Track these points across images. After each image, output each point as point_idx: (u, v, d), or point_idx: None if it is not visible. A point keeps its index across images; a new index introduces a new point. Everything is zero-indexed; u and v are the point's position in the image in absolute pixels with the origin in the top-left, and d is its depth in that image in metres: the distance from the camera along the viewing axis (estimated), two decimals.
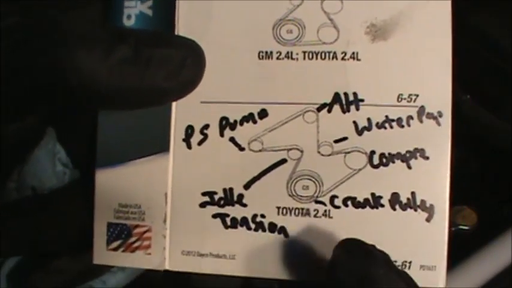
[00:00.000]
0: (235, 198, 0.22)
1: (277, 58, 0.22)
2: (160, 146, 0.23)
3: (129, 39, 0.21)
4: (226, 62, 0.23)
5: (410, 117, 0.22)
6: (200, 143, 0.23)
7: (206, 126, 0.23)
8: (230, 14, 0.23)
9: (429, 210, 0.22)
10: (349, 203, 0.22)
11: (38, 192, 0.25)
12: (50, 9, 0.24)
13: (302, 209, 0.22)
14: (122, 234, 0.23)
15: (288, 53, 0.22)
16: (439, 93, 0.22)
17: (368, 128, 0.22)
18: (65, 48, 0.21)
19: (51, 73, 0.21)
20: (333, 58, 0.22)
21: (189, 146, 0.23)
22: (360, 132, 0.22)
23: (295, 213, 0.22)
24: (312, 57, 0.22)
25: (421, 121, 0.22)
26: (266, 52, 0.22)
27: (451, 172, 0.22)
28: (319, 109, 0.22)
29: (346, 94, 0.22)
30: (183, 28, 0.23)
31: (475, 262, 0.29)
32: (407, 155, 0.22)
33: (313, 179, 0.22)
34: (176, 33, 0.23)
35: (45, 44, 0.21)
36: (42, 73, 0.21)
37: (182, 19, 0.23)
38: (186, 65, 0.22)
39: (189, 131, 0.23)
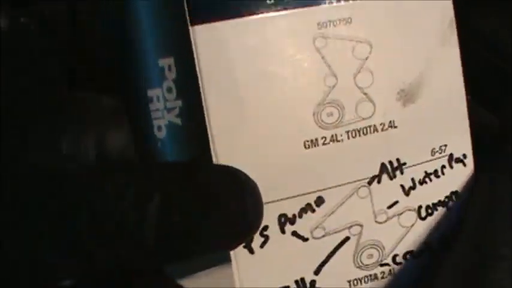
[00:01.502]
0: (308, 285, 0.23)
1: (323, 144, 0.22)
2: (221, 257, 0.22)
3: (175, 217, 0.19)
4: (272, 159, 0.21)
5: (443, 167, 0.24)
6: (262, 245, 0.22)
7: (265, 228, 0.22)
8: (266, 108, 0.21)
9: None
10: (408, 256, 0.24)
11: None
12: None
13: (370, 275, 0.23)
14: None
15: (332, 136, 0.22)
16: (462, 138, 0.24)
17: (413, 187, 0.23)
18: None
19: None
20: (373, 131, 0.22)
21: (251, 251, 0.22)
22: (407, 193, 0.23)
23: (364, 281, 0.23)
24: (355, 135, 0.22)
25: (451, 167, 0.24)
26: (311, 140, 0.22)
27: None
28: (369, 182, 0.23)
29: (391, 162, 0.23)
30: (217, 133, 0.21)
31: None
32: (446, 200, 0.24)
33: (376, 247, 0.23)
34: (210, 139, 0.21)
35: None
36: None
37: (215, 124, 0.21)
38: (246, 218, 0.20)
39: None
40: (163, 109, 0.21)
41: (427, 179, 0.23)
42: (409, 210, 0.23)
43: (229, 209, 0.19)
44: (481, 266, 0.22)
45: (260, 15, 0.21)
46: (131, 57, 0.21)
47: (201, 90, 0.21)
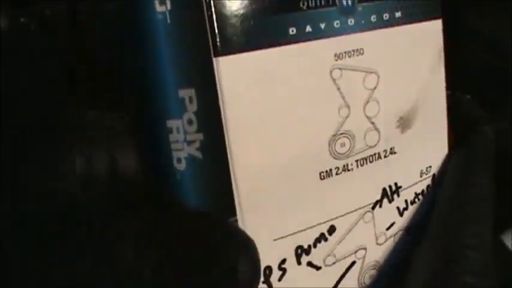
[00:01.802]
0: None
1: (336, 174, 0.22)
2: None
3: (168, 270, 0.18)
4: (292, 192, 0.21)
5: (428, 186, 0.25)
6: (280, 278, 0.22)
7: (283, 261, 0.21)
8: (287, 140, 0.21)
9: None
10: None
11: None
12: None
13: None
14: None
15: (344, 166, 0.22)
16: (442, 158, 0.26)
17: (406, 208, 0.25)
18: None
19: None
20: (378, 159, 0.23)
21: (270, 286, 0.21)
22: (401, 213, 0.24)
23: None
24: (363, 163, 0.23)
25: (433, 187, 0.26)
26: (326, 171, 0.22)
27: None
28: (373, 207, 0.23)
29: (390, 186, 0.24)
30: (238, 166, 0.20)
31: None
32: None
33: (375, 267, 0.24)
34: (232, 172, 0.20)
35: None
36: None
37: (236, 158, 0.20)
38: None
39: (267, 271, 0.21)
40: (183, 141, 0.19)
41: (416, 199, 0.25)
42: (402, 230, 0.25)
43: (223, 266, 0.19)
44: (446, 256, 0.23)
45: (282, 47, 0.20)
46: (150, 86, 0.20)
47: (223, 123, 0.19)
